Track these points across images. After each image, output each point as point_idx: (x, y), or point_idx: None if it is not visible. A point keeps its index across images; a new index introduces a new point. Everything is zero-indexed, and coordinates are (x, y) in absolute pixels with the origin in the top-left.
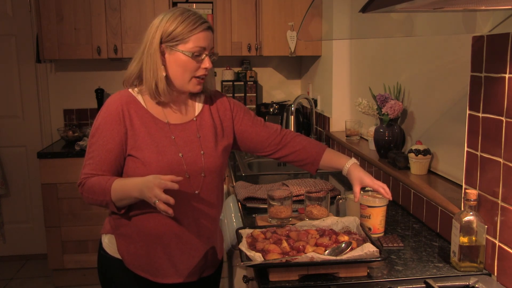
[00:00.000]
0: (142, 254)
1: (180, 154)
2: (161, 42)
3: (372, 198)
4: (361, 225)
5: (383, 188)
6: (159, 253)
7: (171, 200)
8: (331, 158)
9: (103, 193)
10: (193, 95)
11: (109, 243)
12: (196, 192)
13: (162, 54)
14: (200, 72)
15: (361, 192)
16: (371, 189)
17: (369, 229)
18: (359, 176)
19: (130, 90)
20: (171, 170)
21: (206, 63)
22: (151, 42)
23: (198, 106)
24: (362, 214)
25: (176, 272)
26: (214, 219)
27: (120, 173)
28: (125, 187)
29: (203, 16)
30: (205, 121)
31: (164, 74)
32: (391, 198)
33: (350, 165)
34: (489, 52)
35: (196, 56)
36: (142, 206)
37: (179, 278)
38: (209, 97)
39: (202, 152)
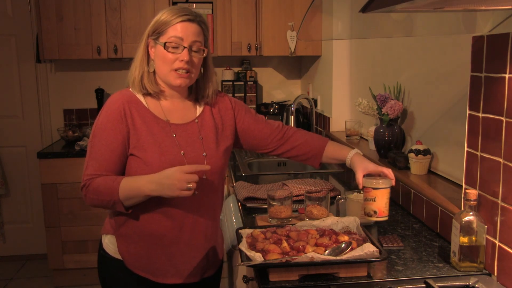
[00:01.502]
0: (143, 254)
1: (181, 152)
2: (148, 37)
3: (376, 180)
4: (361, 224)
5: (388, 170)
6: (160, 253)
7: (197, 177)
8: (333, 150)
9: (111, 193)
10: (193, 97)
11: (109, 243)
12: (196, 192)
13: (151, 48)
14: (177, 65)
15: (364, 176)
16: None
17: (375, 212)
18: (362, 163)
19: (131, 89)
20: None
21: (183, 55)
22: (142, 38)
23: (199, 107)
24: (367, 197)
25: (177, 272)
26: (215, 219)
27: (122, 173)
28: (134, 185)
29: (194, 11)
30: (207, 121)
31: (147, 68)
32: (393, 183)
33: (352, 155)
34: (489, 52)
35: (172, 47)
36: (143, 206)
37: (180, 279)
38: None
39: (204, 153)
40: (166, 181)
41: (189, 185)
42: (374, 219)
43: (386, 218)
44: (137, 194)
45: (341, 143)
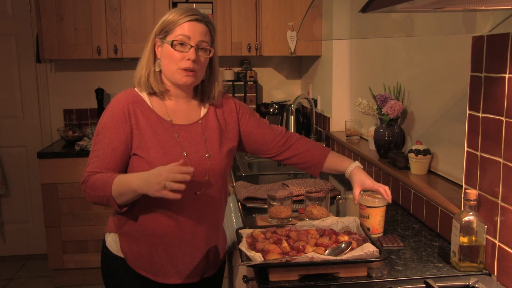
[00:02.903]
0: (145, 253)
1: (184, 153)
2: (156, 36)
3: (372, 198)
4: (361, 225)
5: (384, 189)
6: (161, 253)
7: (182, 186)
8: (334, 161)
9: (104, 188)
10: (198, 98)
11: (112, 241)
12: (198, 193)
13: (157, 47)
14: (184, 64)
15: (361, 192)
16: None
17: (368, 229)
18: (360, 178)
19: (136, 89)
20: None
21: (190, 54)
22: (149, 37)
23: (204, 108)
24: (361, 214)
25: (177, 272)
26: (216, 220)
27: (124, 172)
28: (126, 179)
29: (202, 12)
30: (211, 123)
31: (153, 67)
32: (390, 201)
33: (352, 168)
34: (489, 52)
35: (179, 46)
36: (145, 205)
37: (180, 278)
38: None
39: (207, 154)
40: (152, 178)
41: (165, 184)
42: None
43: (379, 235)
44: (127, 190)
45: (341, 143)
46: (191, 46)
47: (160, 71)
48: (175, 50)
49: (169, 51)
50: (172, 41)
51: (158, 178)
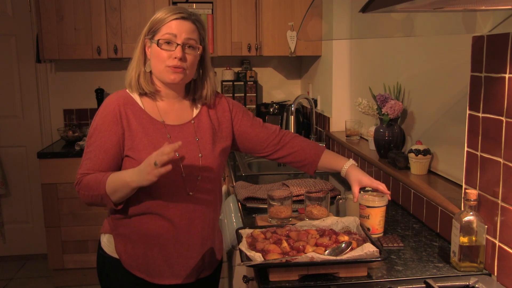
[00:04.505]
0: (139, 254)
1: (176, 154)
2: (145, 37)
3: (372, 198)
4: (361, 225)
5: (383, 186)
6: (156, 254)
7: (169, 167)
8: (329, 160)
9: (98, 187)
10: (190, 98)
11: (107, 242)
12: (190, 193)
13: (147, 48)
14: (171, 62)
15: (361, 192)
16: (371, 189)
17: (368, 229)
18: (357, 176)
19: (128, 90)
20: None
21: (176, 52)
22: (139, 38)
23: (196, 108)
24: (361, 214)
25: (172, 273)
26: (211, 220)
27: None
28: (119, 175)
29: (190, 10)
30: (203, 123)
31: (144, 68)
32: (389, 197)
33: (348, 166)
34: (489, 52)
35: (166, 43)
36: (140, 206)
37: (175, 279)
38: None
39: (200, 154)
40: (143, 167)
41: (154, 162)
42: None
43: (380, 236)
44: (121, 185)
45: (341, 143)
46: (178, 44)
47: (150, 71)
48: (161, 49)
49: (157, 50)
50: (158, 40)
51: (146, 164)
